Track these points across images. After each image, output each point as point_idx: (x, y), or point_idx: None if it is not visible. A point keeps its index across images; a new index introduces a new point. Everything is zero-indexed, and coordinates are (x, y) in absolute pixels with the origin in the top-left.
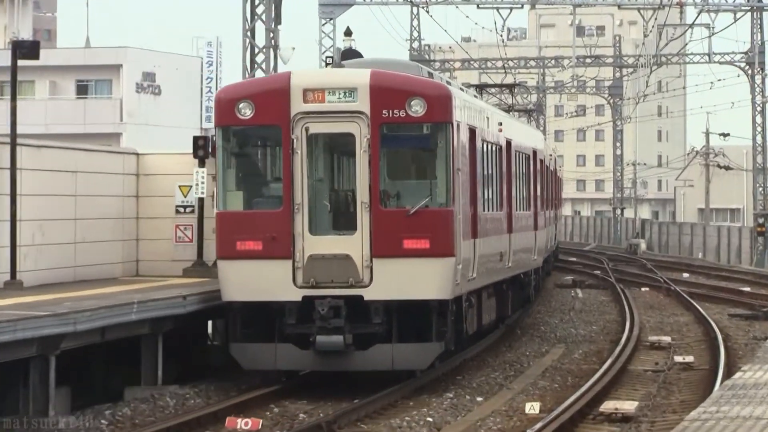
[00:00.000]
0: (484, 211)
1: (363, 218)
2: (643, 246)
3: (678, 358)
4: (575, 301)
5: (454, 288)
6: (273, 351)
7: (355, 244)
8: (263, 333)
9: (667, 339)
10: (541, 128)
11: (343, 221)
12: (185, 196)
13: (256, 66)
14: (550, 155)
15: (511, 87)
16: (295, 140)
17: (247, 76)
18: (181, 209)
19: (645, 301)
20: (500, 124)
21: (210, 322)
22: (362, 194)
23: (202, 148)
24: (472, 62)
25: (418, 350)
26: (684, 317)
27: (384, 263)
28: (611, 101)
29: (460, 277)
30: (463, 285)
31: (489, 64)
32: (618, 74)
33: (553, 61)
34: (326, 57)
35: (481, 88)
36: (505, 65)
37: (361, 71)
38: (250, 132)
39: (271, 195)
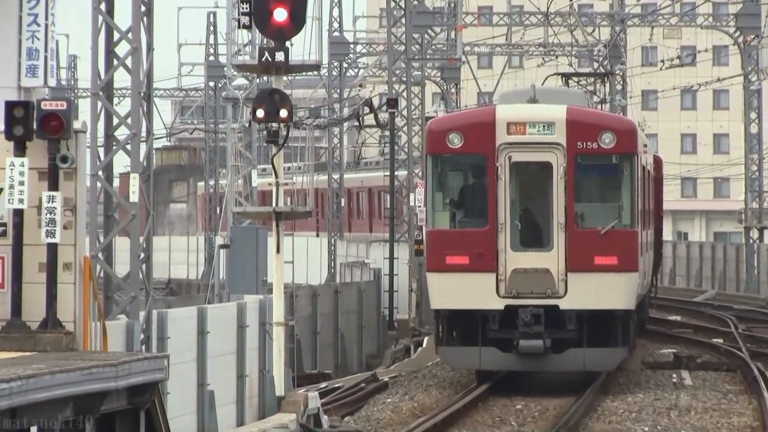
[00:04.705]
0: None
1: (559, 236)
2: None
3: None
4: (679, 392)
5: (636, 299)
6: (477, 353)
7: (551, 260)
8: (466, 337)
9: None
10: (617, 87)
11: (540, 239)
12: None
13: None
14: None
15: (604, 76)
16: (499, 167)
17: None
18: None
19: None
20: (645, 146)
21: (35, 429)
22: (559, 215)
23: (21, 123)
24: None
25: (607, 354)
26: None
27: (577, 277)
28: (741, 40)
29: (639, 289)
30: (637, 297)
31: None
32: None
33: None
34: None
35: (567, 78)
36: None
37: (558, 107)
38: (458, 159)
39: (476, 215)
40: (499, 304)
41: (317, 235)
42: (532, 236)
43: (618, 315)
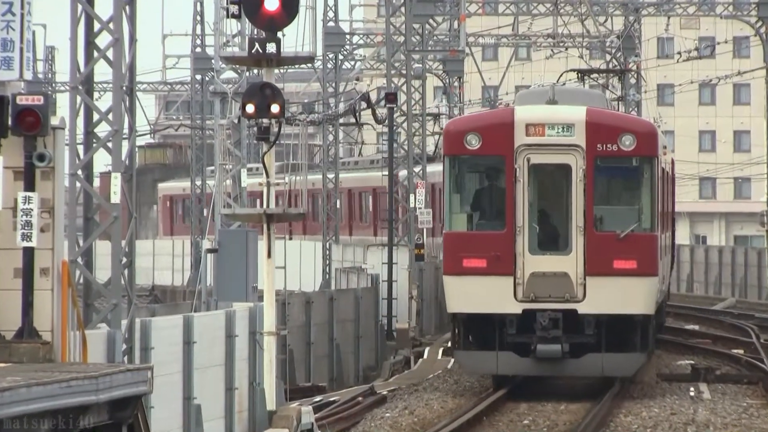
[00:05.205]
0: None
1: (578, 240)
2: None
3: None
4: (697, 406)
5: (655, 304)
6: (494, 358)
7: (570, 263)
8: (483, 341)
9: None
10: (631, 81)
11: (558, 242)
12: None
13: None
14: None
15: (621, 73)
16: (517, 169)
17: None
18: None
19: None
20: (664, 147)
21: None
22: (577, 219)
23: None
24: None
25: (625, 359)
26: None
27: (596, 281)
28: (763, 31)
29: (658, 294)
30: (656, 302)
31: None
32: None
33: None
34: None
35: (582, 74)
36: None
37: (578, 108)
38: (476, 161)
39: (494, 218)
40: (516, 308)
41: (290, 238)
42: (551, 239)
43: (637, 320)
